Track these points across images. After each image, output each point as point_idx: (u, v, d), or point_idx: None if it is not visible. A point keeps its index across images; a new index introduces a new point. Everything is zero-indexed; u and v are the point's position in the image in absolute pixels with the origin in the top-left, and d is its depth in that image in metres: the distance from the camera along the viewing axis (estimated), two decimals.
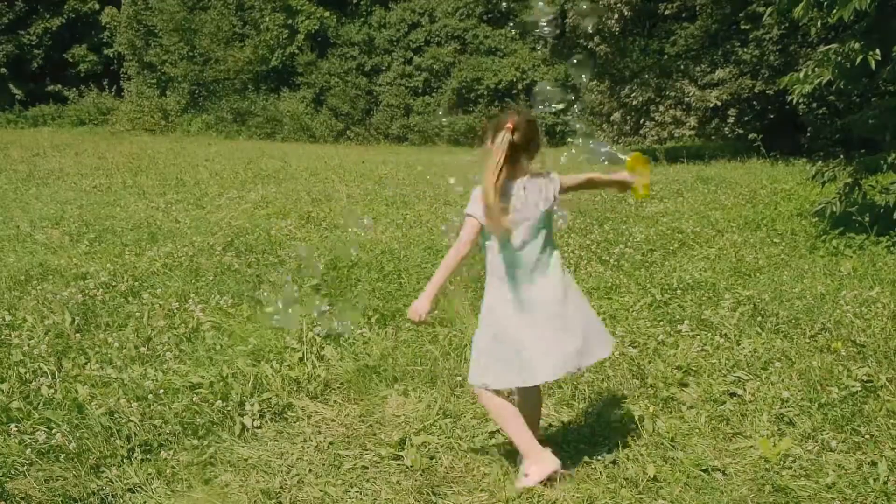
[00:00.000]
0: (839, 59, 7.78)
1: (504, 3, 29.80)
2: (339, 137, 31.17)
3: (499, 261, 3.39)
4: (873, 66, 7.52)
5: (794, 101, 8.77)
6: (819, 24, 8.37)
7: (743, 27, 17.94)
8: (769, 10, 9.81)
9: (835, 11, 7.53)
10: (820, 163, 9.24)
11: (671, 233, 8.88)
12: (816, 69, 8.10)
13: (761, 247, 8.15)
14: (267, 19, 32.19)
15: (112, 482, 3.61)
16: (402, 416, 4.34)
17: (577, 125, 4.20)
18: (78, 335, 5.41)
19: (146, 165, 17.03)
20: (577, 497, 3.41)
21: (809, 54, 16.34)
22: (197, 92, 34.08)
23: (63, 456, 3.76)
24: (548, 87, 3.69)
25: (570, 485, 3.48)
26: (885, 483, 3.42)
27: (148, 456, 3.84)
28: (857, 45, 7.62)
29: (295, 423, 4.28)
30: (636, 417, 4.10)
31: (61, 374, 4.70)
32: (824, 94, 9.29)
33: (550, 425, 4.21)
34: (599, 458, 3.72)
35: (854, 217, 8.15)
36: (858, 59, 7.56)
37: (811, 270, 7.10)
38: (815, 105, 15.61)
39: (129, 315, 5.91)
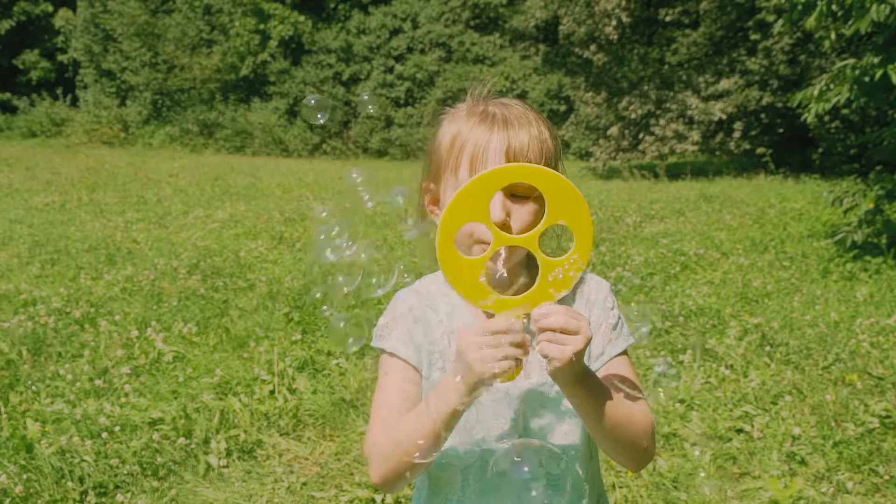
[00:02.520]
0: (858, 73, 7.83)
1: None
2: (315, 151, 31.15)
3: None
4: (895, 80, 7.58)
5: (807, 119, 8.83)
6: (833, 35, 8.43)
7: (752, 37, 18.12)
8: (780, 20, 9.93)
9: (851, 23, 7.59)
10: (837, 187, 9.25)
11: (672, 255, 8.92)
12: (832, 85, 8.16)
13: (770, 270, 8.20)
14: (237, 24, 32.19)
15: None
16: None
17: None
18: (27, 367, 5.37)
19: (104, 181, 16.98)
20: None
21: (822, 65, 16.57)
22: (160, 102, 33.99)
23: (8, 501, 3.72)
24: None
25: None
26: None
27: (103, 499, 3.80)
28: (875, 60, 7.69)
29: (265, 461, 4.25)
30: None
31: (8, 409, 4.65)
32: (839, 109, 9.43)
33: None
34: None
35: (870, 239, 8.21)
36: (878, 74, 7.63)
37: (824, 296, 7.15)
38: (827, 119, 15.81)
39: (83, 344, 5.86)
